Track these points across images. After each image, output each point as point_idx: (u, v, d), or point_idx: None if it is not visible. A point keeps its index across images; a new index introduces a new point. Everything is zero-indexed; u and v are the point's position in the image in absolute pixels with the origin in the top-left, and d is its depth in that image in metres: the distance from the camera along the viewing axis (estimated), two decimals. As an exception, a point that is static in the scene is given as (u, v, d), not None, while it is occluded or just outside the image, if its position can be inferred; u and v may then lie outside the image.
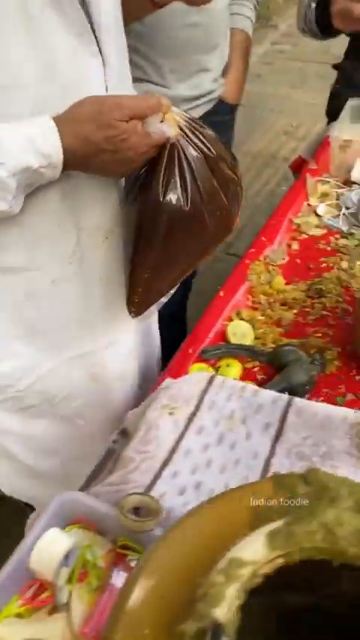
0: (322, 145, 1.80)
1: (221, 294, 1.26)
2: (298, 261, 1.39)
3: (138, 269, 0.91)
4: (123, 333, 1.14)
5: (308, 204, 1.57)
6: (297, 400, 0.84)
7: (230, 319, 1.21)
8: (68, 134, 0.76)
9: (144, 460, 0.76)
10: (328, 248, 1.43)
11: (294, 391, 1.02)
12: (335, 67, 2.03)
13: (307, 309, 1.25)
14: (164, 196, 0.80)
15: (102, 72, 0.85)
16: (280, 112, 4.35)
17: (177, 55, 1.57)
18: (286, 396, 0.85)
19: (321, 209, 1.55)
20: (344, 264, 1.36)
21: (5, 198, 0.75)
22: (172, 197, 0.80)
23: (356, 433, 0.80)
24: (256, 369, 1.12)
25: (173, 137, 0.78)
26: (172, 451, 0.78)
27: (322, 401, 1.05)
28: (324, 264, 1.38)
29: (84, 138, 0.76)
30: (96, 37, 0.83)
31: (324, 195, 1.61)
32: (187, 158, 0.79)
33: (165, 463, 0.76)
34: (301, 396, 1.02)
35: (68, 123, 0.76)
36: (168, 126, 0.78)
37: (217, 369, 1.09)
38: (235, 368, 1.09)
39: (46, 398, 1.06)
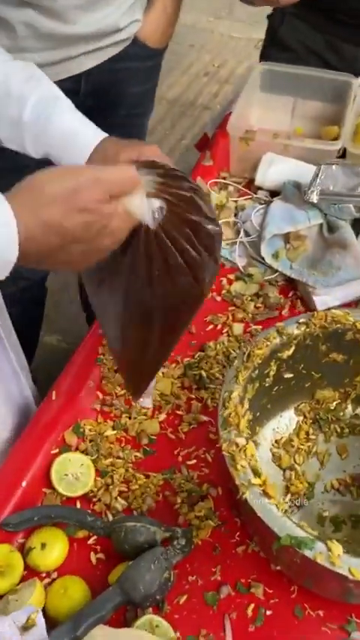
0: (221, 127, 1.37)
1: (54, 397, 0.86)
2: (176, 321, 0.99)
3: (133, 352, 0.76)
4: None
5: (197, 224, 1.16)
6: None
7: (64, 442, 0.82)
8: (30, 221, 0.56)
9: None
10: (218, 298, 1.03)
11: (141, 605, 0.65)
12: (269, 17, 1.56)
13: (179, 412, 0.87)
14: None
15: None
16: (200, 48, 3.78)
17: None
18: None
19: (213, 232, 1.14)
20: (236, 328, 0.97)
21: None
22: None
23: None
24: (91, 540, 0.74)
25: (152, 222, 0.62)
26: None
27: (185, 601, 0.69)
28: (210, 326, 0.99)
29: (52, 226, 0.57)
30: None
31: (219, 208, 1.19)
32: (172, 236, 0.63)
33: None
34: (154, 605, 0.66)
35: (31, 204, 0.57)
36: (149, 205, 0.62)
37: (27, 552, 0.71)
38: (56, 547, 0.71)
39: None
